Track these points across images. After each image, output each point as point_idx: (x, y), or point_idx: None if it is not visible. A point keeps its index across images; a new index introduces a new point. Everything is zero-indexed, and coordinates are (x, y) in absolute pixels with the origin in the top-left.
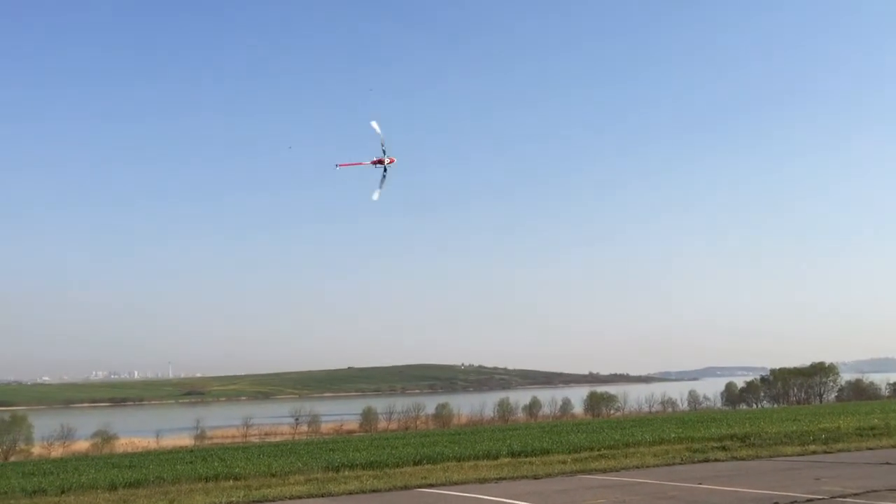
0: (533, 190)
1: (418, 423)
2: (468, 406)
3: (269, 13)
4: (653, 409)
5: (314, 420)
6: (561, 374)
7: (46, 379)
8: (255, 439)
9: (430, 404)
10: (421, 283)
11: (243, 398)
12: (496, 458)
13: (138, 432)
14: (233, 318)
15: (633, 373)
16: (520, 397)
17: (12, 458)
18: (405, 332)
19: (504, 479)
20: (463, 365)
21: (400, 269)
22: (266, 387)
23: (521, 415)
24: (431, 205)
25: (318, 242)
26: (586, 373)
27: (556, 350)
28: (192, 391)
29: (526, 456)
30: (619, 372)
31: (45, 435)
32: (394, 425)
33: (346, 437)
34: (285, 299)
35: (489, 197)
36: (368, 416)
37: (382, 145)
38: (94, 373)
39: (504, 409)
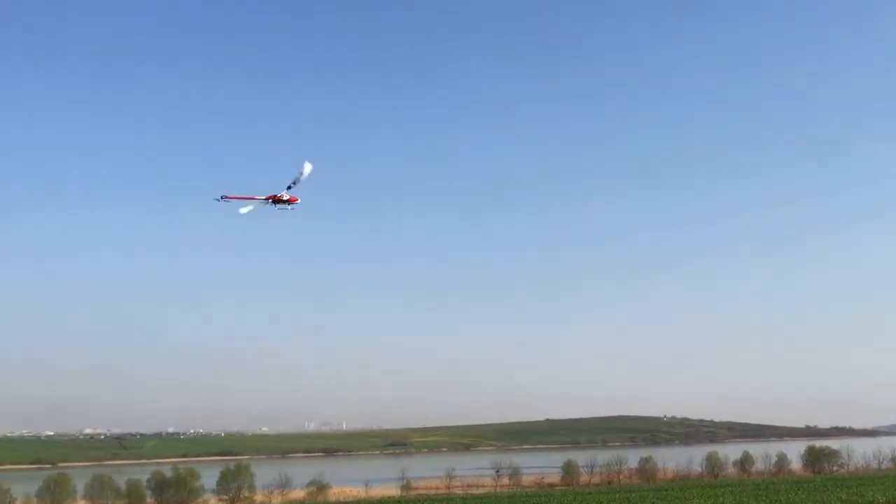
0: (737, 238)
1: (621, 477)
2: (673, 460)
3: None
4: (882, 466)
5: (515, 472)
6: (773, 427)
7: (265, 429)
8: (458, 491)
9: (632, 458)
10: (619, 333)
11: (444, 449)
12: None
13: (349, 481)
14: (434, 372)
15: (857, 425)
16: (729, 451)
17: None
18: (603, 383)
19: None
20: (665, 416)
21: (596, 319)
22: (466, 438)
23: (731, 470)
24: (625, 258)
25: (519, 298)
26: (802, 426)
27: (767, 401)
28: (396, 442)
29: None
30: (840, 425)
31: (266, 483)
32: (596, 479)
33: (547, 491)
34: (483, 353)
35: (685, 249)
36: (569, 470)
37: (295, 184)
38: (307, 424)
39: (713, 463)
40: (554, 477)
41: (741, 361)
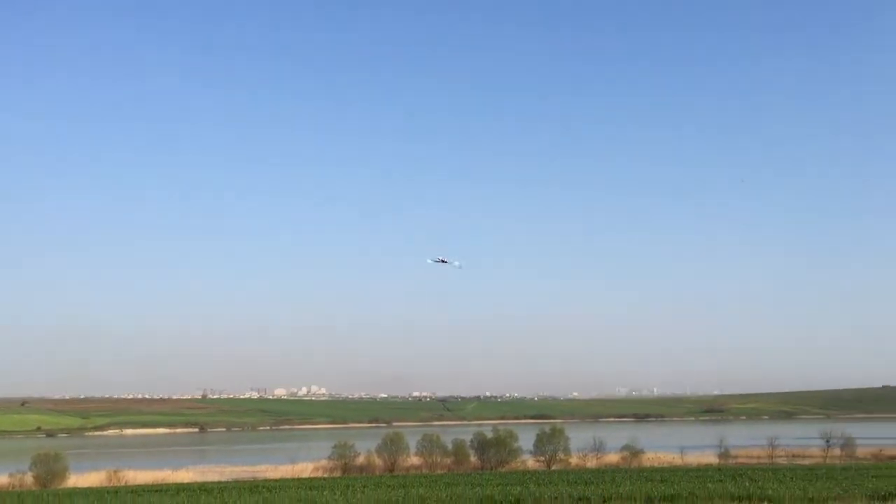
0: None
1: None
2: None
3: None
4: None
5: (848, 443)
6: None
7: (576, 394)
8: (781, 460)
9: None
10: None
11: (764, 417)
12: None
13: (662, 447)
14: (750, 334)
15: None
16: None
17: (554, 467)
18: None
19: None
20: None
21: None
22: (788, 405)
23: None
24: None
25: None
26: None
27: None
28: (711, 409)
29: None
30: None
31: (579, 446)
32: None
33: (888, 464)
34: (811, 314)
35: None
36: None
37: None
38: (617, 389)
39: None
40: (895, 449)
41: None
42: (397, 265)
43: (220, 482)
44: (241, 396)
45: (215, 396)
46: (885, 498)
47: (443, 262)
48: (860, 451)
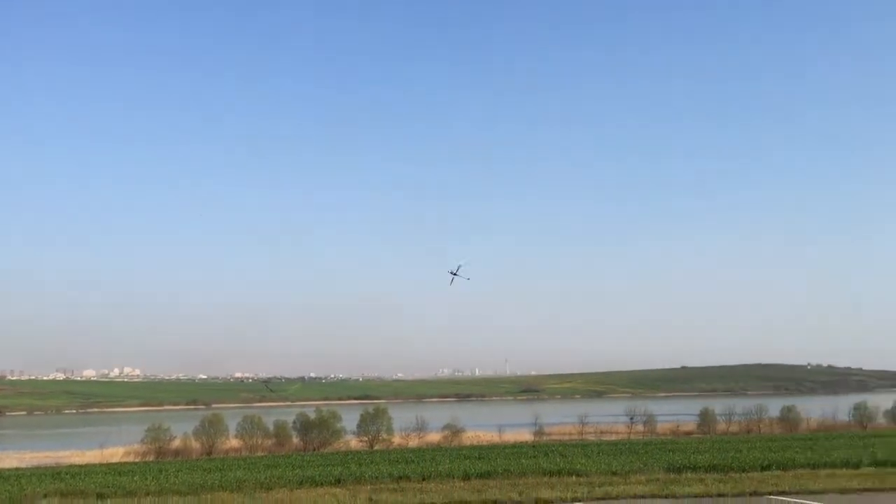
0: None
1: (761, 426)
2: (818, 409)
3: None
4: None
5: (650, 420)
6: None
7: (401, 375)
8: (591, 437)
9: (772, 407)
10: (765, 275)
11: (577, 396)
12: (857, 466)
13: (482, 426)
14: (564, 318)
15: None
16: (881, 401)
17: (377, 447)
18: (742, 328)
19: (869, 490)
20: (809, 365)
21: (741, 259)
22: (599, 385)
23: (882, 421)
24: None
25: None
26: None
27: None
28: (528, 388)
29: (893, 466)
30: None
31: (402, 426)
32: (734, 427)
33: (684, 439)
34: (616, 299)
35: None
36: (706, 417)
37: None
38: (440, 370)
39: (861, 413)
40: (690, 425)
41: None
42: (215, 243)
43: (18, 469)
44: (45, 378)
45: (14, 378)
46: (679, 470)
47: (454, 274)
48: (660, 427)
